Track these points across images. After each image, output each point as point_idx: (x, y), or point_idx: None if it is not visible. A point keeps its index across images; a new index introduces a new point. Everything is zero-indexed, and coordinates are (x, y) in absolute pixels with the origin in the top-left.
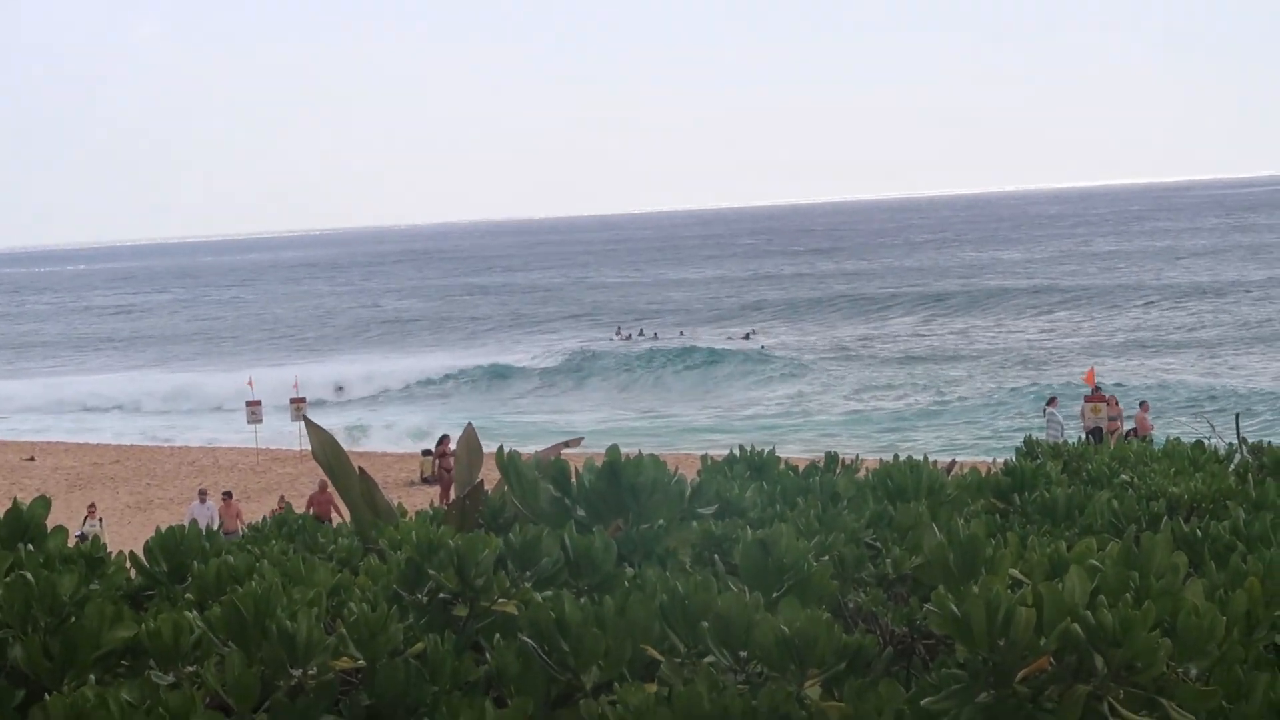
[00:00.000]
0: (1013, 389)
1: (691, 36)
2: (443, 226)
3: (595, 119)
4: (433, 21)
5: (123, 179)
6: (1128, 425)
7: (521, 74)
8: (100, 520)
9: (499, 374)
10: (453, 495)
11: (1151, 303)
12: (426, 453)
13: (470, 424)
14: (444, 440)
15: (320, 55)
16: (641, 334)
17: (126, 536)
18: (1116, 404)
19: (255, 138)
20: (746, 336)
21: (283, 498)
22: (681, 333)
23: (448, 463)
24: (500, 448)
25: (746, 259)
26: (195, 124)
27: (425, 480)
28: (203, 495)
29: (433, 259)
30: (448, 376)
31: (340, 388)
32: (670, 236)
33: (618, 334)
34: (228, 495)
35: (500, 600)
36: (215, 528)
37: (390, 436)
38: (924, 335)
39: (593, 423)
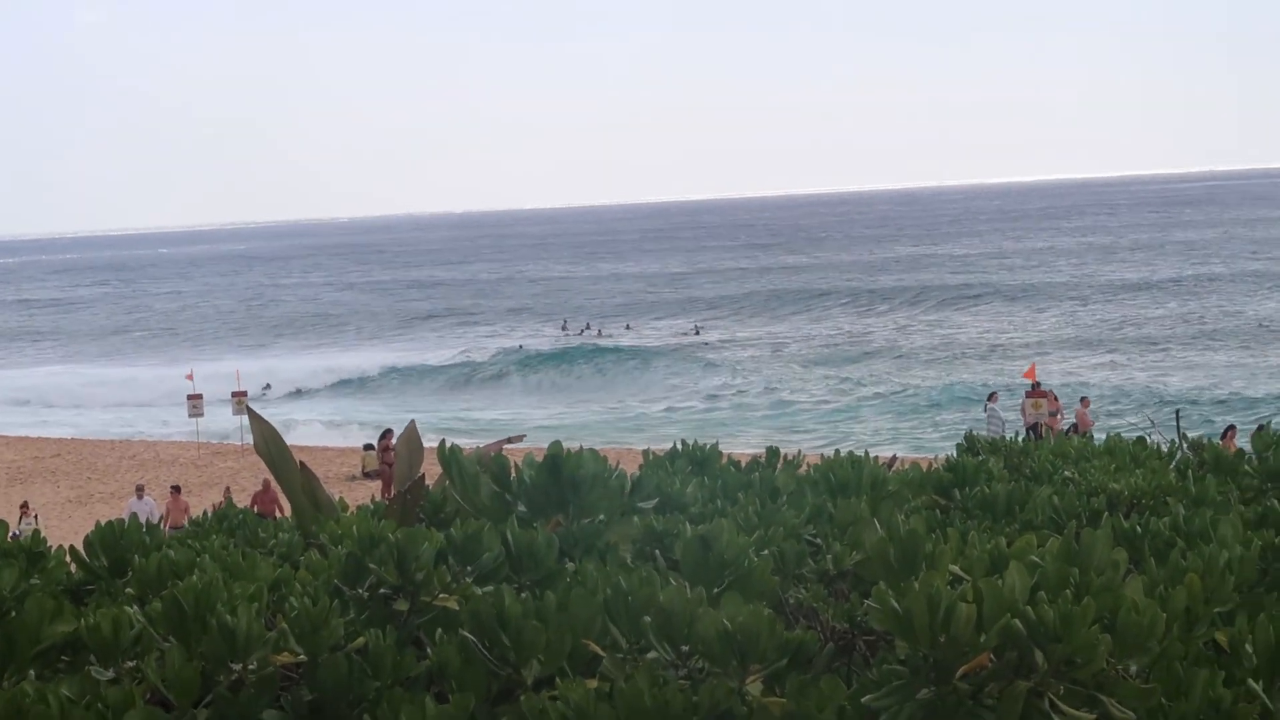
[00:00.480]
0: (953, 384)
1: (622, 29)
2: (381, 220)
3: (529, 113)
4: (371, 15)
5: (60, 170)
6: (1068, 421)
7: (455, 68)
8: (35, 517)
9: (439, 369)
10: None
11: (1090, 299)
12: (368, 447)
13: (413, 421)
14: (387, 434)
15: (255, 46)
16: (588, 328)
17: (67, 531)
18: (1056, 400)
19: (194, 129)
20: (697, 331)
21: (228, 489)
22: (628, 326)
23: (389, 457)
24: (442, 442)
25: (689, 253)
26: (131, 114)
27: (366, 475)
28: (140, 491)
29: (372, 253)
30: (389, 370)
31: (268, 385)
32: (609, 230)
33: (563, 329)
34: (176, 489)
35: (441, 595)
36: (155, 523)
37: (330, 431)
38: (865, 331)
39: (537, 419)
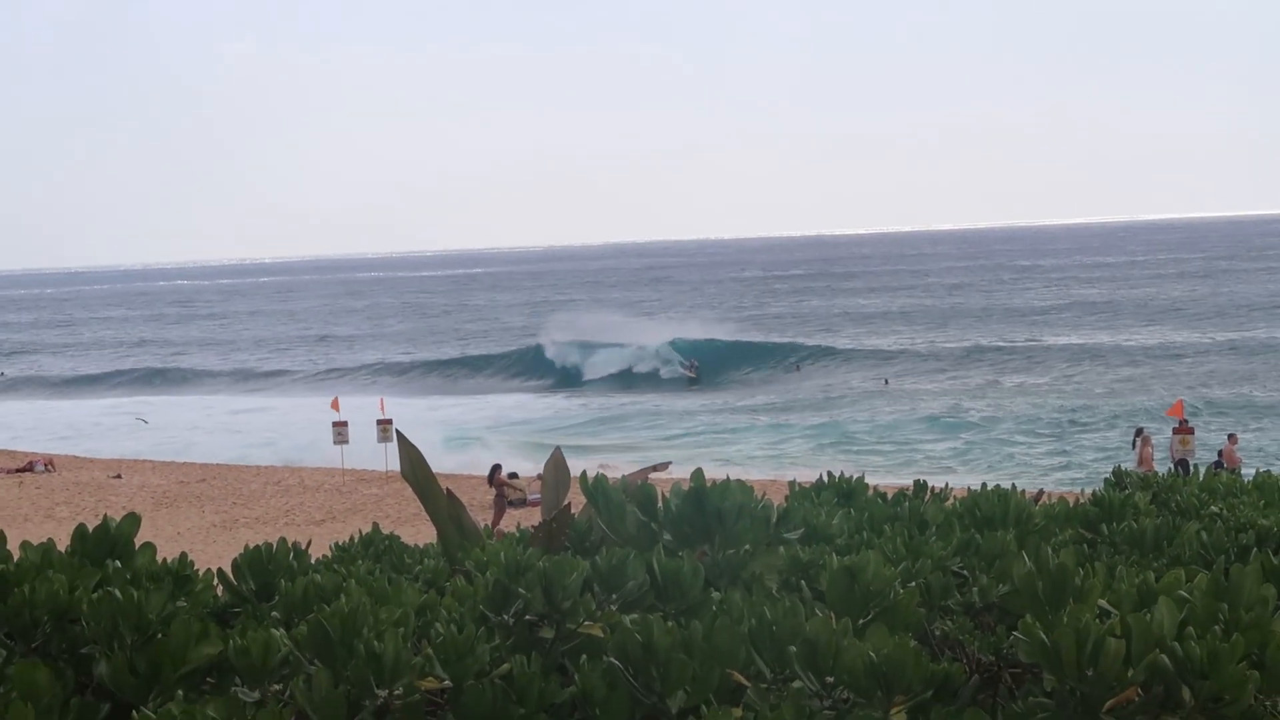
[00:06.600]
0: (1101, 419)
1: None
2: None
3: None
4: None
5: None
6: (1212, 457)
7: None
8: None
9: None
10: (501, 522)
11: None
12: (513, 475)
13: (558, 448)
14: (496, 469)
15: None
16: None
17: (212, 555)
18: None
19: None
20: (885, 382)
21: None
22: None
23: (502, 491)
24: (584, 473)
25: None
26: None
27: (511, 504)
28: None
29: (500, 282)
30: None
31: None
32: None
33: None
34: None
35: (586, 623)
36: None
37: (474, 459)
38: (1008, 365)
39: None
